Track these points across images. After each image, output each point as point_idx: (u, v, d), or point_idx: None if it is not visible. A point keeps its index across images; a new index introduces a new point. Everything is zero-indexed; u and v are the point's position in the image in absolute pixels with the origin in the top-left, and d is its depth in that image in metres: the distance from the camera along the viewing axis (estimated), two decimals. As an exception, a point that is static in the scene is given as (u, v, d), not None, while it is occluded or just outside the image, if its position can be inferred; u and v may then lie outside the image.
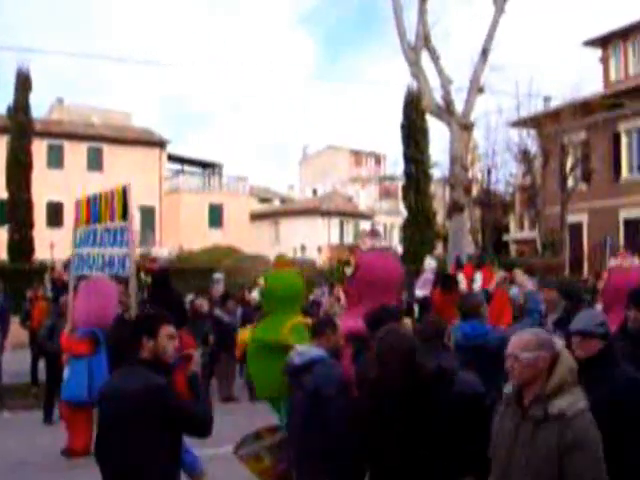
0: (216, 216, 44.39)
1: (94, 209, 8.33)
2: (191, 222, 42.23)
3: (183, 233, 40.50)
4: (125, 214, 7.74)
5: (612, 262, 8.29)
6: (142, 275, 12.45)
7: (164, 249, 37.31)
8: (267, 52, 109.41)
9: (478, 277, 8.80)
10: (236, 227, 43.05)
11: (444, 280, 9.36)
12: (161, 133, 45.74)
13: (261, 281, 8.74)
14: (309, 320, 6.52)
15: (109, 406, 3.90)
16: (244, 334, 8.95)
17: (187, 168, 49.73)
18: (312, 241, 45.86)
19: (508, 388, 3.54)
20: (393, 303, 7.84)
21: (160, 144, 44.52)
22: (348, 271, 7.82)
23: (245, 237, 41.30)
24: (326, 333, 4.87)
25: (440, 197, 35.43)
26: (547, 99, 32.62)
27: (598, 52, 34.65)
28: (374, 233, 8.48)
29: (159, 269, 11.60)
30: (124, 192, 7.71)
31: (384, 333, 4.13)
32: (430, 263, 9.95)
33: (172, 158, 46.76)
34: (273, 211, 54.43)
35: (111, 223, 7.98)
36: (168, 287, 9.09)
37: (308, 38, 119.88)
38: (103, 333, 8.59)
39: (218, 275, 15.46)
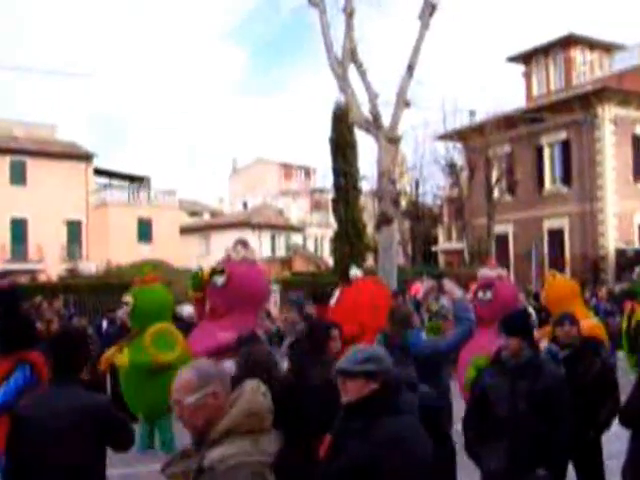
0: (145, 230, 43.76)
1: None
2: (119, 236, 41.52)
3: (111, 247, 39.77)
4: None
5: (482, 272, 8.19)
6: None
7: (91, 263, 36.59)
8: (196, 65, 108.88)
9: (335, 293, 8.91)
10: (166, 241, 42.54)
11: (315, 295, 9.73)
12: (87, 147, 44.98)
13: (128, 298, 8.50)
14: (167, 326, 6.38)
15: (47, 424, 3.77)
16: (120, 359, 8.48)
17: (114, 182, 48.85)
18: (243, 254, 45.53)
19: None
20: (258, 316, 8.00)
21: (86, 157, 43.69)
22: (219, 281, 7.66)
23: (175, 251, 40.84)
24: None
25: (370, 209, 35.70)
26: (472, 113, 33.42)
27: (521, 68, 35.64)
28: (246, 244, 8.44)
29: (7, 286, 11.13)
30: None
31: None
32: (355, 273, 9.90)
33: (99, 172, 45.92)
34: (203, 225, 54.03)
35: None
36: (16, 306, 8.67)
37: (237, 51, 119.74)
38: None
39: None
